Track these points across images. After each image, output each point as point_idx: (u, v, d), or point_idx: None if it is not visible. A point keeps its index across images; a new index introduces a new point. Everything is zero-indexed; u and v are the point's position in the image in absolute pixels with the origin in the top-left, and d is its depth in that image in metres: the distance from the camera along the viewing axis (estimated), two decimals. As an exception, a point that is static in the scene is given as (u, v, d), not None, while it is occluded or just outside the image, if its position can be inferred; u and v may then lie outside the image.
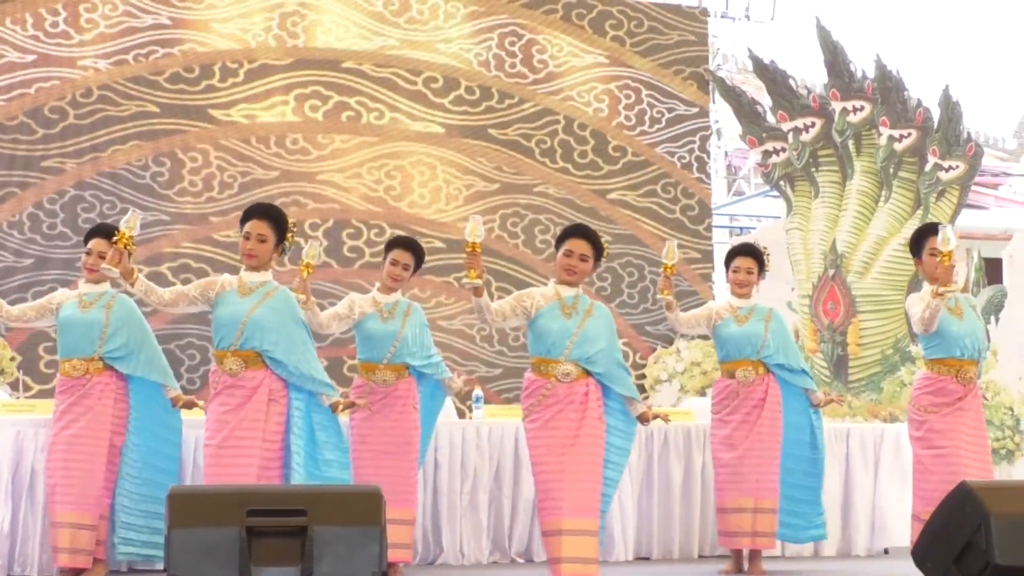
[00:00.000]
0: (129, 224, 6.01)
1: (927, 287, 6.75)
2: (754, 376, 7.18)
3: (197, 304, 6.17)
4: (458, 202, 10.93)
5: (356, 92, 10.84)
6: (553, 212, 11.13)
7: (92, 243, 6.68)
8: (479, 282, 5.90)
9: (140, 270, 6.21)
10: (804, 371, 7.33)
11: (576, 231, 6.33)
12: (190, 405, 6.63)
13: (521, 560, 7.59)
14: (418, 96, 11.01)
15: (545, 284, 6.33)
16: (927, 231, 6.86)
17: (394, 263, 6.88)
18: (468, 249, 5.90)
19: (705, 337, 10.24)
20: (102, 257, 6.56)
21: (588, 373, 6.09)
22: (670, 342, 11.05)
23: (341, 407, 6.12)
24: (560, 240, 6.28)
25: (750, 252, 7.35)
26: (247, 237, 6.12)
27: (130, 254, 6.01)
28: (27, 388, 9.37)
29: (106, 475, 6.47)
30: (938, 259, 6.47)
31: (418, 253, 6.97)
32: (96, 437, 6.44)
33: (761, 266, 7.32)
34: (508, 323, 6.26)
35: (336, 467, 6.10)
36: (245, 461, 5.89)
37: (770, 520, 7.13)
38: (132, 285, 6.05)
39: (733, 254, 7.39)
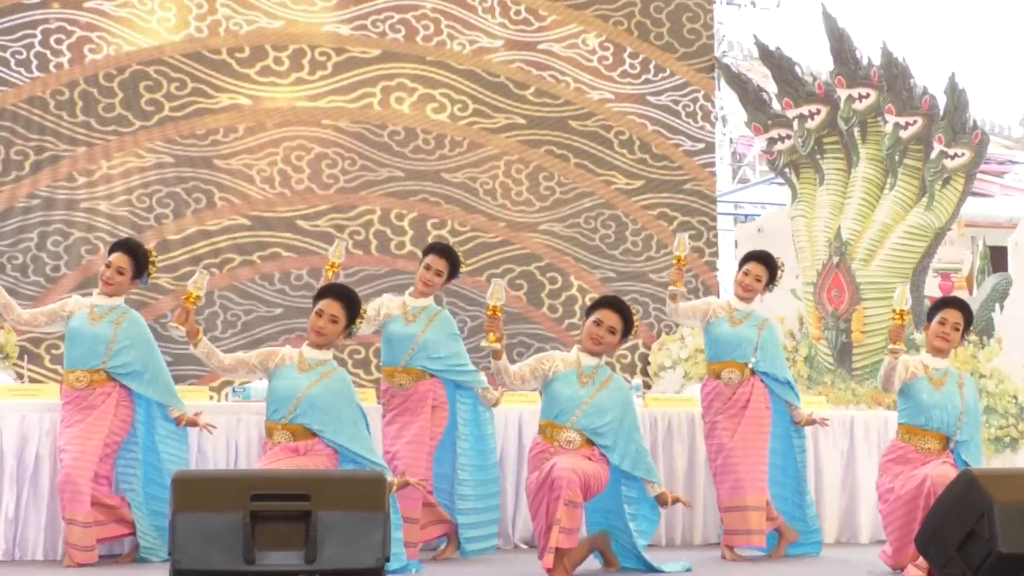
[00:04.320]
0: (197, 284, 6.16)
1: (925, 356, 6.78)
2: (739, 378, 7.23)
3: (256, 373, 6.29)
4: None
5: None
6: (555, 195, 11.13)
7: (113, 256, 6.72)
8: (498, 346, 6.04)
9: (204, 331, 6.36)
10: (789, 383, 7.35)
11: (610, 303, 6.43)
12: (193, 424, 6.68)
13: (525, 547, 7.59)
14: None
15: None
16: (948, 302, 6.81)
17: (427, 268, 7.02)
18: (489, 313, 6.03)
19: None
20: (121, 273, 6.64)
21: (593, 444, 6.22)
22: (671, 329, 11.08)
23: (395, 487, 6.04)
24: (592, 308, 6.39)
25: (765, 260, 7.37)
26: (320, 314, 6.19)
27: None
28: (34, 364, 9.37)
29: (99, 467, 6.52)
30: (894, 317, 6.50)
31: (453, 261, 7.07)
32: (90, 434, 6.50)
33: (772, 277, 7.35)
34: (527, 386, 6.40)
35: None
36: None
37: (759, 517, 7.14)
38: (195, 346, 6.17)
39: (748, 257, 7.43)
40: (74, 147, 10.02)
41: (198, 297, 6.13)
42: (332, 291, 6.29)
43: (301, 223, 10.43)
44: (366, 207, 10.62)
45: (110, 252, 6.78)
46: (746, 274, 7.34)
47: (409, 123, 10.83)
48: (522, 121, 11.14)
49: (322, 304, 6.20)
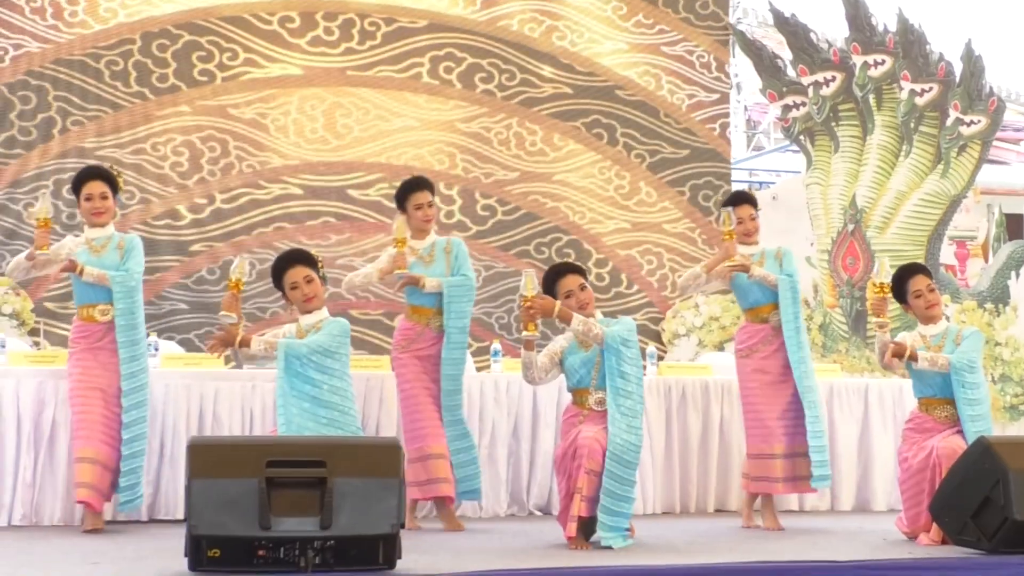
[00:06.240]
0: (239, 269, 6.29)
1: (920, 327, 6.73)
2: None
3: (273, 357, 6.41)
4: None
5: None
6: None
7: (91, 186, 6.69)
8: (536, 335, 6.07)
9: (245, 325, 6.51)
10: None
11: (561, 271, 6.44)
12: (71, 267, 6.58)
13: (539, 513, 7.61)
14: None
15: None
16: (906, 274, 6.73)
17: (418, 207, 6.97)
18: (526, 304, 6.02)
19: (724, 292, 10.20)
20: (105, 198, 6.65)
21: None
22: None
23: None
24: (550, 283, 6.37)
25: (745, 199, 7.35)
26: (295, 286, 6.33)
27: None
28: (49, 336, 9.39)
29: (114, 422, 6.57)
30: (875, 291, 6.44)
31: (432, 187, 7.11)
32: (111, 384, 6.54)
33: (756, 207, 7.31)
34: (549, 376, 6.41)
35: None
36: None
37: (805, 464, 7.10)
38: (238, 347, 6.20)
39: (729, 206, 7.33)
40: (100, 104, 10.01)
41: (243, 283, 6.29)
42: (291, 258, 6.43)
43: (352, 192, 10.41)
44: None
45: (80, 186, 6.72)
46: (740, 221, 7.23)
47: (446, 92, 10.80)
48: (569, 91, 11.11)
49: (292, 276, 6.34)
